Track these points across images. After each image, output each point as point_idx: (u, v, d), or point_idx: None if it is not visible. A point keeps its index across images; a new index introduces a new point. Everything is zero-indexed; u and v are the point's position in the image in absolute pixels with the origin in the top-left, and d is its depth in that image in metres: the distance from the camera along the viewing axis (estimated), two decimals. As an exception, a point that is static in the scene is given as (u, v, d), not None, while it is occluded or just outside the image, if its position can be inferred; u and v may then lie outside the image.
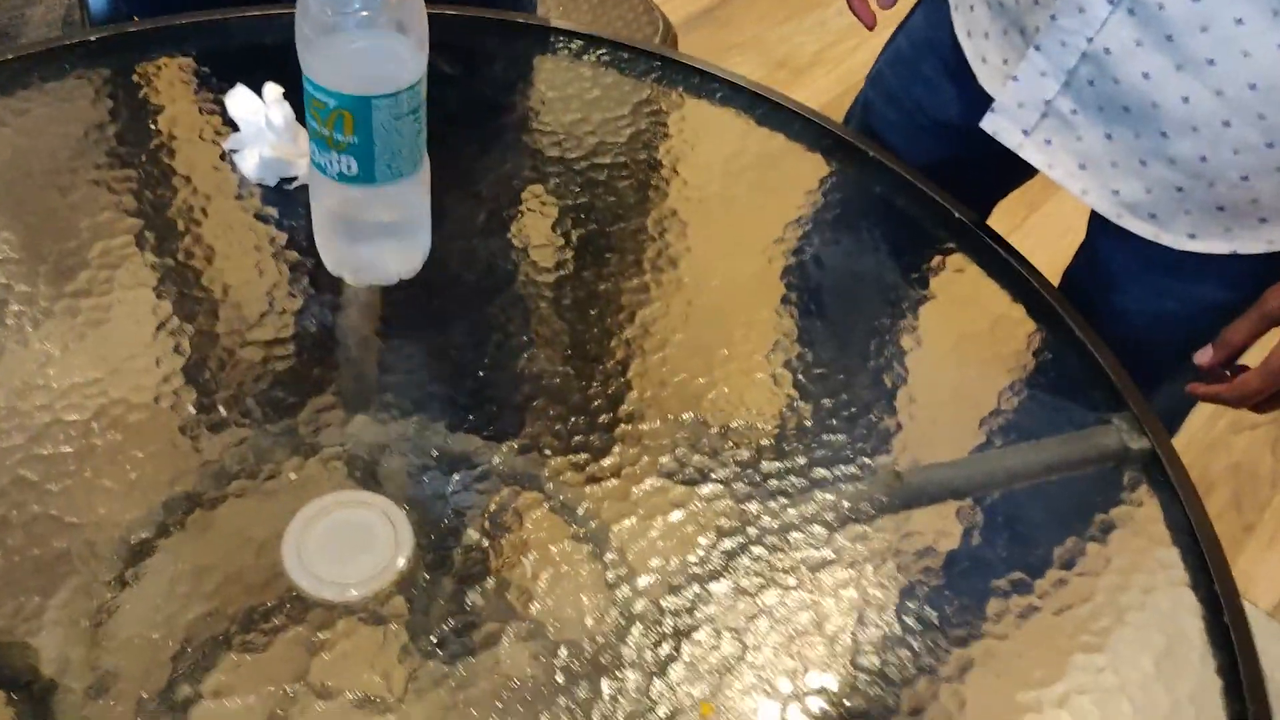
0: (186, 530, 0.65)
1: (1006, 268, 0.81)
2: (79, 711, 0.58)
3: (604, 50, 0.94)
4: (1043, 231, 1.79)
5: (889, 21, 0.91)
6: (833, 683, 0.62)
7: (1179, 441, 0.80)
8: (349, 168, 0.66)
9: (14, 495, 0.65)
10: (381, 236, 0.72)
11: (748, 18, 2.36)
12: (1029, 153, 0.79)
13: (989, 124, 0.79)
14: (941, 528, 0.70)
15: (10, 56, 0.87)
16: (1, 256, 0.75)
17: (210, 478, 0.67)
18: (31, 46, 0.90)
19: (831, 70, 2.29)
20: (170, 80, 0.89)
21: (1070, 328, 0.78)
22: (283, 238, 0.79)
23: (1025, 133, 0.78)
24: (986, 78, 0.82)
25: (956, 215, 0.83)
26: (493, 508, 0.68)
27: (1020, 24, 0.76)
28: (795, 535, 0.68)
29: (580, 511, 0.68)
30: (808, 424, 0.73)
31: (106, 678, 0.60)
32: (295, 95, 0.80)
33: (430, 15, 0.87)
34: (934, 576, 0.67)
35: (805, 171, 0.88)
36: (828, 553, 0.67)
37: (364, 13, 0.63)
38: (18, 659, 0.60)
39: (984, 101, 0.80)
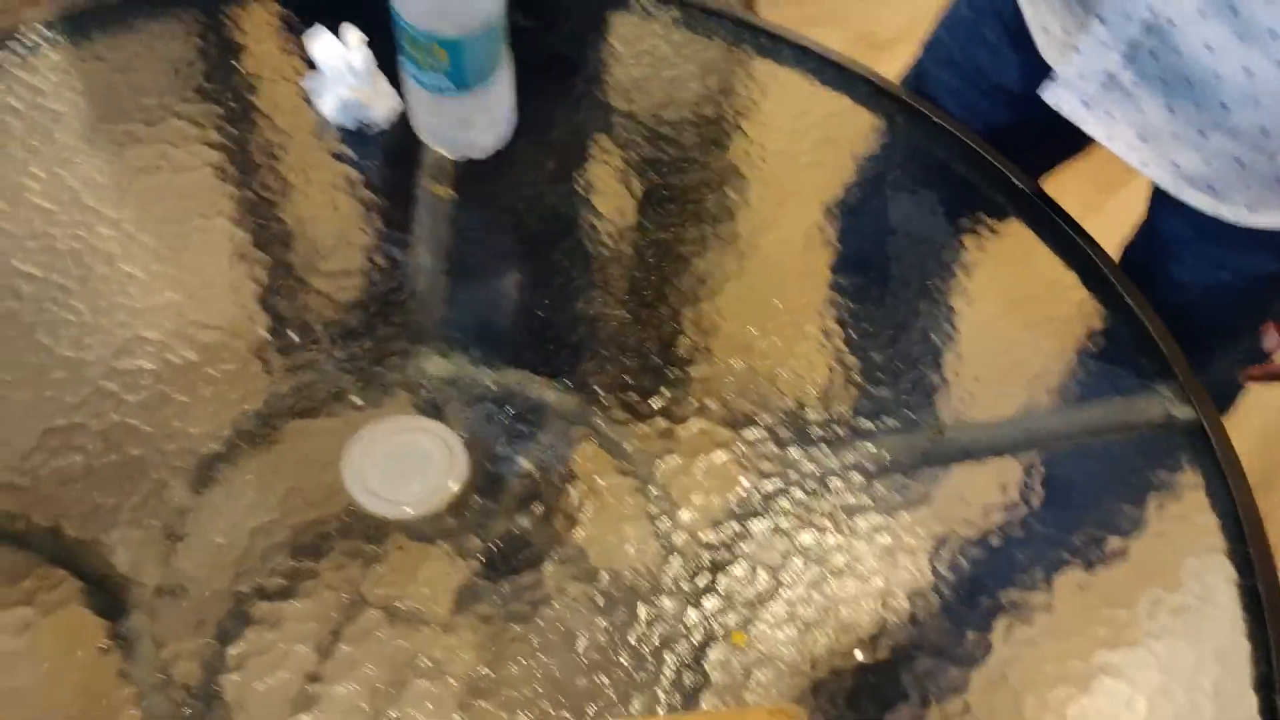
0: (255, 446, 0.69)
1: (1061, 234, 0.82)
2: (149, 607, 0.62)
3: (676, 9, 0.95)
4: (1114, 219, 1.77)
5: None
6: (863, 620, 0.64)
7: (1242, 429, 0.81)
8: (441, 82, 0.76)
9: (94, 404, 0.69)
10: (473, 119, 0.80)
11: (828, -10, 2.35)
12: (1089, 124, 0.79)
13: (1050, 95, 0.80)
14: (980, 483, 0.72)
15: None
16: (92, 183, 0.79)
17: (279, 398, 0.71)
18: (127, -13, 0.94)
19: (913, 47, 2.29)
20: (255, 21, 0.92)
21: (1121, 295, 0.79)
22: (357, 177, 0.83)
23: (1086, 104, 0.79)
24: (1046, 47, 0.82)
25: (1014, 180, 0.84)
26: (544, 440, 0.70)
27: None
28: (834, 481, 0.70)
29: (627, 447, 0.70)
30: (855, 376, 0.75)
31: (176, 577, 0.64)
32: (376, 39, 0.83)
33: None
34: (969, 528, 0.69)
35: (867, 133, 0.90)
36: (865, 499, 0.69)
37: None
38: (94, 556, 0.64)
39: (1044, 69, 0.80)
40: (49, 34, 0.87)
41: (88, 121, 0.83)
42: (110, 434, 0.68)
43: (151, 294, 0.74)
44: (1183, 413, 0.75)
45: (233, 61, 0.89)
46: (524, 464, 0.69)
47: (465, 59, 0.74)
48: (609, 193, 0.84)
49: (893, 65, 1.08)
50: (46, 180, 0.79)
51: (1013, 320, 0.81)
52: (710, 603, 0.64)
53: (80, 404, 0.69)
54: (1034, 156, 0.90)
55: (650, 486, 0.69)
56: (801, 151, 0.88)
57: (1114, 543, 0.69)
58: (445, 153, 0.81)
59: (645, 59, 0.93)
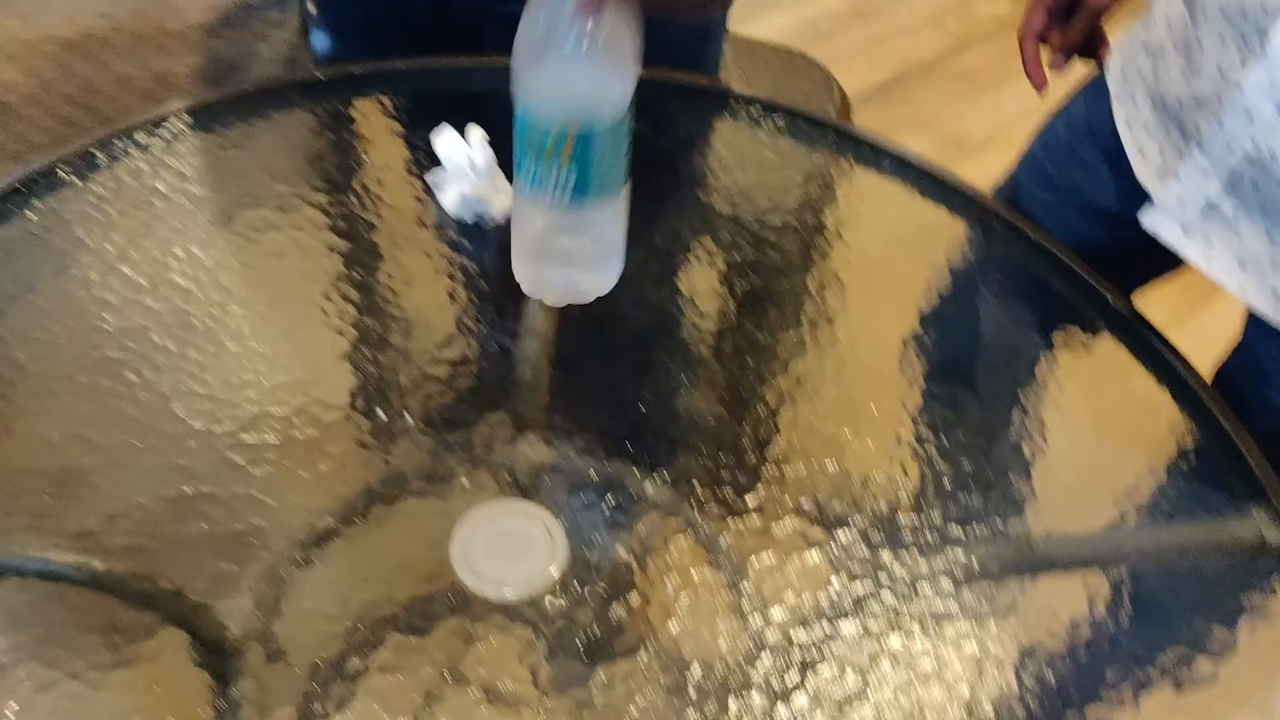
0: (367, 521, 0.72)
1: (1154, 353, 0.83)
2: (258, 673, 0.65)
3: (781, 117, 0.99)
4: (1203, 332, 1.77)
5: (1055, 90, 0.95)
6: (948, 728, 0.65)
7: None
8: (561, 191, 0.69)
9: (221, 475, 0.73)
10: (581, 257, 0.75)
11: (924, 95, 2.40)
12: (1187, 250, 0.81)
13: (1148, 220, 0.82)
14: (1068, 596, 0.73)
15: (250, 90, 0.97)
16: (227, 264, 0.84)
17: (393, 477, 0.74)
18: (266, 83, 1.00)
19: (1003, 151, 2.31)
20: (383, 117, 0.98)
21: (1214, 415, 0.80)
22: (474, 269, 0.87)
23: (1184, 230, 0.80)
24: (1144, 170, 0.84)
25: (1108, 298, 0.86)
26: (641, 531, 0.73)
27: (1182, 122, 0.79)
28: (924, 586, 0.71)
29: (722, 543, 0.72)
30: (946, 483, 0.77)
31: (285, 644, 0.67)
32: (497, 139, 0.88)
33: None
34: (1056, 640, 0.70)
35: (964, 245, 0.92)
36: (953, 606, 0.70)
37: (579, 45, 0.68)
38: (210, 620, 0.67)
39: (1139, 190, 0.82)
40: (191, 122, 0.93)
41: (225, 206, 0.88)
42: (234, 504, 0.72)
43: (278, 372, 0.79)
44: (1276, 536, 0.75)
45: (361, 153, 0.94)
46: (621, 553, 0.72)
47: (591, 155, 0.68)
48: (711, 294, 0.87)
49: (981, 169, 1.11)
50: (186, 260, 0.84)
51: (1104, 435, 0.82)
52: (799, 700, 0.66)
53: (208, 473, 0.73)
54: (1128, 274, 0.92)
55: (743, 582, 0.71)
56: (899, 261, 0.90)
57: (1204, 664, 0.70)
58: (546, 300, 0.74)
59: (749, 165, 0.96)
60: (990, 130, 2.31)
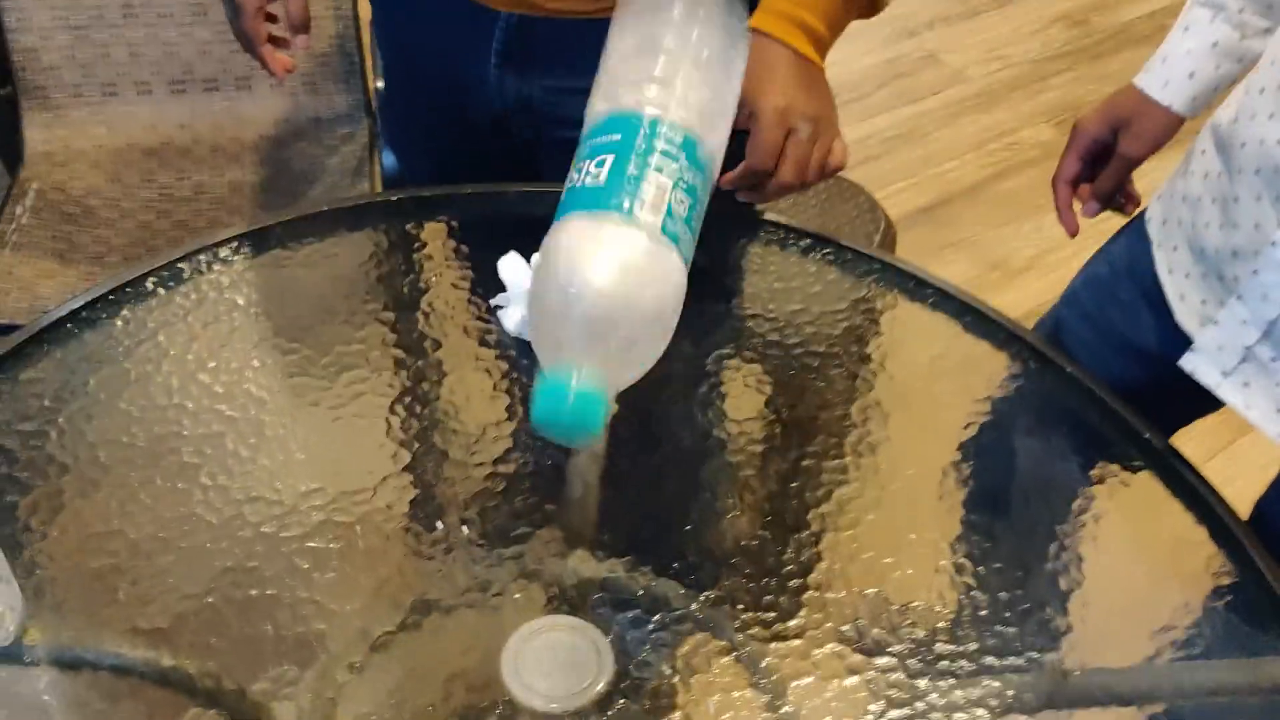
0: (421, 630, 0.75)
1: (1192, 490, 0.86)
2: (313, 774, 0.68)
3: (829, 249, 1.04)
4: (1246, 459, 1.78)
5: (1091, 233, 0.99)
6: None
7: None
8: None
9: (287, 579, 0.77)
10: None
11: (966, 218, 2.44)
12: (1226, 393, 0.84)
13: (1187, 363, 0.84)
14: (1104, 731, 0.74)
15: (325, 209, 1.03)
16: (298, 376, 0.89)
17: (449, 588, 0.77)
18: (340, 202, 1.06)
19: (1044, 276, 2.33)
20: (449, 239, 1.03)
21: (1252, 557, 0.81)
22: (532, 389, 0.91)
23: (1224, 374, 0.83)
24: (1184, 315, 0.87)
25: (1145, 435, 0.88)
26: (685, 649, 0.75)
27: (1221, 272, 0.82)
28: (960, 716, 0.73)
29: (763, 665, 0.75)
30: (983, 612, 0.79)
31: (341, 748, 0.69)
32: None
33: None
34: (1091, 775, 0.71)
35: (1004, 378, 0.95)
36: (990, 736, 0.72)
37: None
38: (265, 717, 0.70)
39: (1179, 332, 0.85)
40: (269, 238, 0.99)
41: (298, 320, 0.93)
42: (298, 607, 0.75)
43: (344, 480, 0.82)
44: (1310, 679, 0.76)
45: (428, 274, 0.99)
46: (665, 671, 0.74)
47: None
48: (757, 418, 0.90)
49: (1023, 293, 1.14)
50: (260, 371, 0.89)
51: (1140, 570, 0.84)
52: (835, 824, 0.67)
53: (275, 577, 0.76)
54: (1167, 412, 0.95)
55: (784, 706, 0.73)
56: (941, 392, 0.94)
57: (1237, 805, 0.70)
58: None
59: (797, 295, 1.00)
60: (1032, 255, 2.35)
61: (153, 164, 1.62)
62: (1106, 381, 0.93)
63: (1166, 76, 0.94)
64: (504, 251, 0.95)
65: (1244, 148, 0.81)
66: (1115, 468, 0.88)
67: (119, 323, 0.92)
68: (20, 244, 1.46)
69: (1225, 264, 0.81)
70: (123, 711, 0.70)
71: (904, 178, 2.55)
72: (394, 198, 1.06)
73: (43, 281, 1.40)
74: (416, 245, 1.03)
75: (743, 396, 0.93)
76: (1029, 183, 2.56)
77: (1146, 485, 0.87)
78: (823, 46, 0.92)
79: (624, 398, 0.90)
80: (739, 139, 0.86)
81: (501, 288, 0.94)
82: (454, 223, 1.05)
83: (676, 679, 0.74)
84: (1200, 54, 0.92)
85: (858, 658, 0.75)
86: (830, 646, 0.76)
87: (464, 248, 1.03)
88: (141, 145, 1.63)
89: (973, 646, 0.77)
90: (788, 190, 0.90)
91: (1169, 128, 0.95)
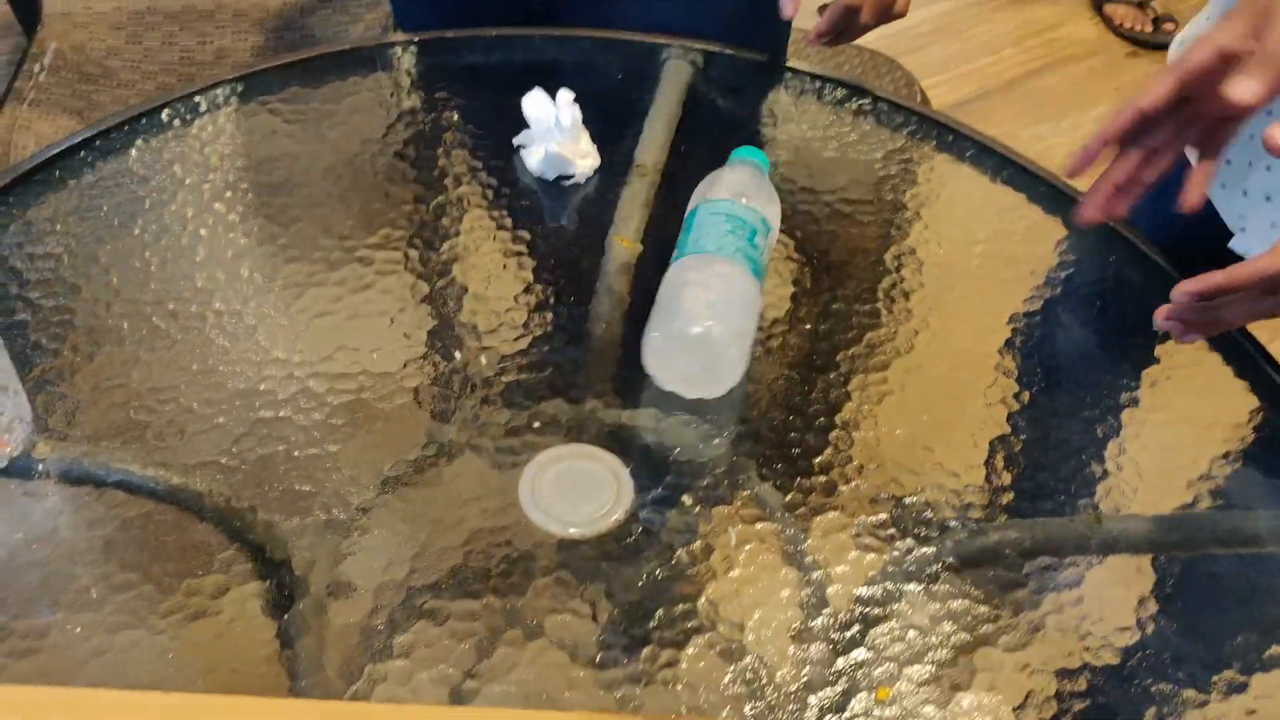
0: (438, 463, 0.74)
1: (1235, 345, 0.82)
2: (321, 597, 0.66)
3: (865, 99, 1.00)
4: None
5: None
6: (1004, 693, 0.65)
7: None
8: None
9: (300, 401, 0.75)
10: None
11: (1002, 114, 2.38)
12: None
13: (1238, 245, 0.81)
14: (1133, 578, 0.72)
15: (347, 47, 1.00)
16: (317, 208, 0.87)
17: (468, 420, 0.75)
18: (363, 41, 1.03)
19: (1084, 176, 2.27)
20: (475, 82, 1.00)
21: (1295, 408, 0.79)
22: (551, 226, 0.88)
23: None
24: (1221, 201, 0.83)
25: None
26: (705, 483, 0.73)
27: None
28: (987, 556, 0.71)
29: (786, 499, 0.73)
30: (1017, 456, 0.76)
31: (352, 567, 0.68)
32: (584, 102, 0.89)
33: (712, 53, 0.96)
34: (1120, 617, 0.69)
35: (1042, 230, 0.92)
36: (1017, 575, 0.70)
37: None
38: (280, 539, 0.69)
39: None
40: (289, 76, 0.96)
41: (317, 154, 0.91)
42: (312, 430, 0.73)
43: (361, 315, 0.80)
44: (1352, 531, 0.74)
45: (451, 115, 0.96)
46: (686, 502, 0.72)
47: None
48: (792, 260, 0.87)
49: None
50: (277, 203, 0.87)
51: (1181, 420, 0.81)
52: (857, 654, 0.66)
53: (288, 399, 0.75)
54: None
55: (807, 540, 0.71)
56: (977, 242, 0.90)
57: (1275, 649, 0.68)
58: (680, 390, 0.77)
59: (832, 143, 0.97)
60: (1070, 153, 2.29)
61: (174, 27, 1.59)
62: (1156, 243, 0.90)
63: None
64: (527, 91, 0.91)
65: None
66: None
67: (134, 153, 0.89)
68: (39, 100, 1.43)
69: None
70: (131, 531, 0.69)
71: (939, 72, 2.49)
72: (417, 39, 1.02)
73: (61, 137, 1.37)
74: (439, 85, 0.99)
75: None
76: (1068, 80, 2.49)
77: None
78: None
79: (649, 237, 0.87)
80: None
81: (524, 126, 0.91)
82: (476, 64, 1.02)
83: (697, 509, 0.72)
84: None
85: (884, 495, 0.73)
86: (855, 484, 0.73)
87: (489, 90, 0.99)
88: (164, 9, 1.59)
89: (1005, 492, 0.74)
90: (864, 31, 0.95)
91: None
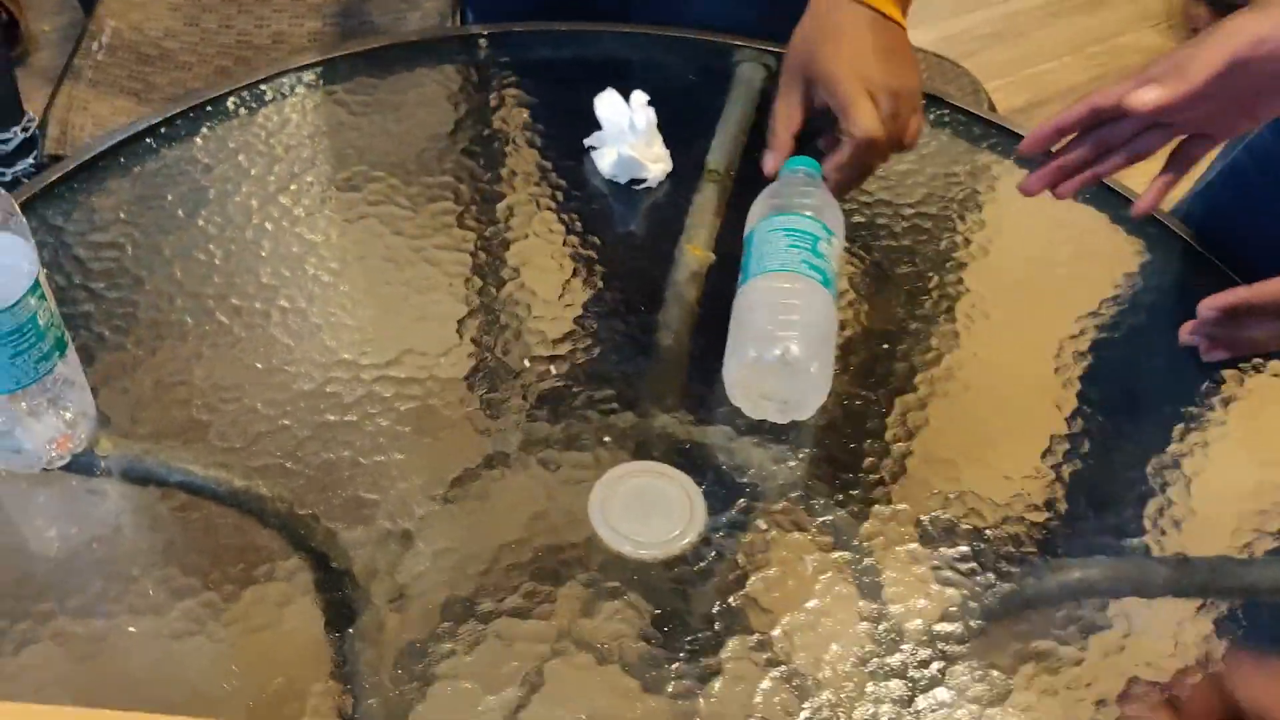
0: (505, 470, 0.72)
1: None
2: (380, 607, 0.65)
3: (945, 110, 0.97)
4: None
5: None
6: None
7: None
8: None
9: (366, 405, 0.73)
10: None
11: (1064, 119, 2.34)
12: None
13: None
14: (1186, 618, 0.69)
15: (415, 38, 0.98)
16: (383, 204, 0.85)
17: (537, 431, 0.73)
18: (429, 33, 1.01)
19: (1140, 182, 2.24)
20: (543, 79, 0.98)
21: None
22: (623, 231, 0.86)
23: None
24: None
25: None
26: (779, 508, 0.71)
27: None
28: (1066, 593, 0.68)
29: (861, 529, 0.70)
30: (1098, 491, 0.74)
31: (415, 577, 0.66)
32: (657, 103, 0.87)
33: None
34: (1172, 661, 0.66)
35: (1123, 250, 0.89)
36: (1101, 616, 0.68)
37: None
38: (342, 547, 0.67)
39: None
40: (356, 67, 0.94)
41: (383, 149, 0.89)
42: (378, 435, 0.71)
43: (429, 315, 0.78)
44: None
45: (521, 111, 0.94)
46: (761, 526, 0.70)
47: None
48: (869, 276, 0.85)
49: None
50: (342, 196, 0.85)
51: (1265, 456, 0.78)
52: (938, 695, 0.63)
53: (354, 404, 0.73)
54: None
55: (884, 570, 0.68)
56: (1057, 260, 0.88)
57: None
58: (772, 416, 0.74)
59: (909, 155, 0.94)
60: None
61: (232, 10, 1.57)
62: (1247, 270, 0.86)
63: None
64: (599, 90, 0.89)
65: None
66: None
67: (199, 140, 0.88)
68: (96, 80, 1.42)
69: None
70: (192, 533, 0.67)
71: (997, 76, 2.44)
72: (486, 31, 1.00)
73: (118, 119, 1.36)
74: (507, 80, 0.97)
75: (848, 252, 0.87)
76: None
77: (1275, 370, 0.81)
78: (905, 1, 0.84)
79: (721, 246, 0.85)
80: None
81: (596, 126, 0.89)
82: (545, 60, 0.99)
83: (771, 534, 0.69)
84: None
85: (964, 526, 0.71)
86: (935, 514, 0.71)
87: (560, 86, 0.97)
88: (220, -9, 1.58)
89: (1090, 527, 0.72)
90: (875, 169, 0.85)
91: None
